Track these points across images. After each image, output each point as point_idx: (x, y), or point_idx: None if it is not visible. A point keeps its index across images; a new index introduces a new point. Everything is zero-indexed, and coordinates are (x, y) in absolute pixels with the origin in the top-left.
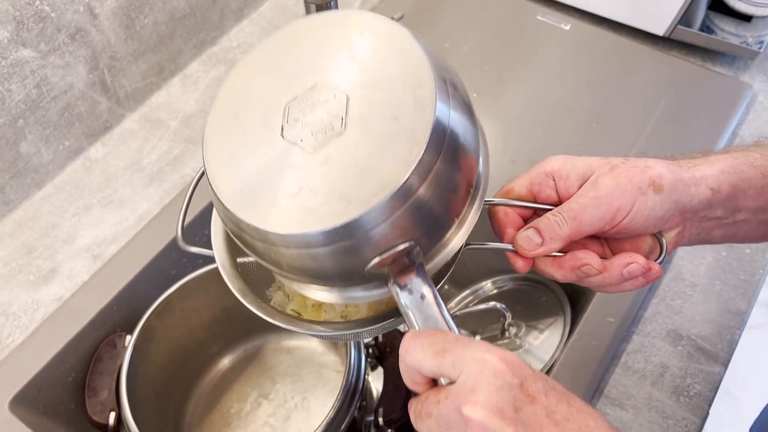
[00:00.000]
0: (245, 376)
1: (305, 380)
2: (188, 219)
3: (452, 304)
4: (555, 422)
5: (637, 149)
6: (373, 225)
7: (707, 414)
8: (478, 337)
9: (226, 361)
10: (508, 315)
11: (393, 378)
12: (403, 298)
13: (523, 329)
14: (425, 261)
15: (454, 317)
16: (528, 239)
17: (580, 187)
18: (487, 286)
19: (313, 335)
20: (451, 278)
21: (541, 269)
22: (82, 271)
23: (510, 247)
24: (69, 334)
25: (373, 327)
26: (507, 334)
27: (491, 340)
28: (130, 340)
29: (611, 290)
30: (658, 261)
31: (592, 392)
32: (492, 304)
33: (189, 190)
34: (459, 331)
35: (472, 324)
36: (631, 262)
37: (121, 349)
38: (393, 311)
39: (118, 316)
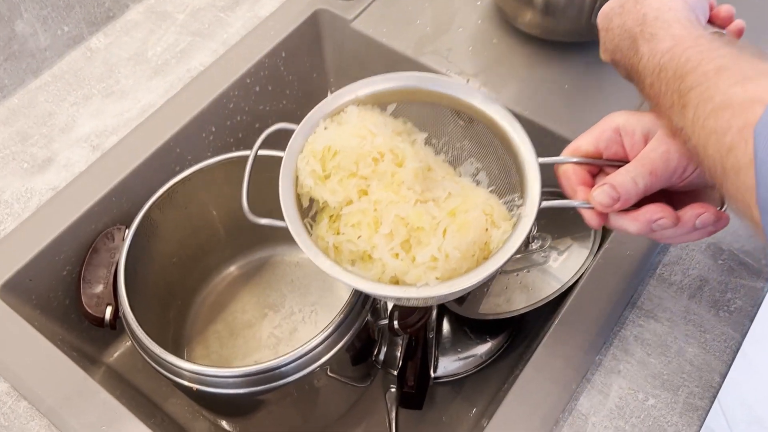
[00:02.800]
0: (252, 285)
1: (314, 293)
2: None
3: None
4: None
5: None
6: None
7: (748, 330)
8: None
9: (232, 269)
10: (534, 226)
11: None
12: None
13: (549, 242)
14: None
15: None
16: (605, 195)
17: (646, 142)
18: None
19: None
20: None
21: (614, 223)
22: (80, 161)
23: (586, 204)
24: (64, 223)
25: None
26: (531, 246)
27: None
28: (128, 233)
29: (677, 241)
30: (723, 210)
31: (625, 303)
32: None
33: (250, 158)
34: None
35: None
36: (703, 211)
37: (119, 242)
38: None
39: (117, 209)
